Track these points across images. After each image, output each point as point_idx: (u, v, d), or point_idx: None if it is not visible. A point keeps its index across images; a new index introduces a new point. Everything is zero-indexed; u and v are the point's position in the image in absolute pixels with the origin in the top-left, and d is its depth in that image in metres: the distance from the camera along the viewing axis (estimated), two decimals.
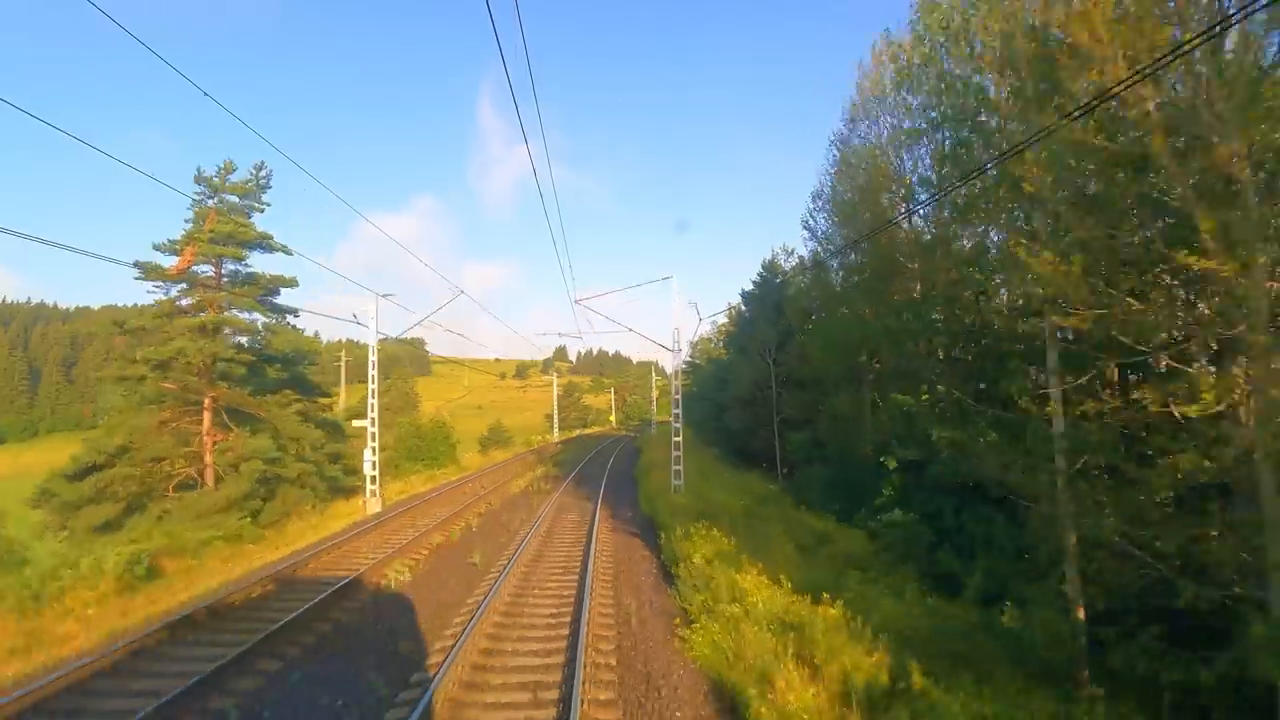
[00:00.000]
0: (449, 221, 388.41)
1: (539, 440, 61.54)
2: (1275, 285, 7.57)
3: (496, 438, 61.19)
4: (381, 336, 23.33)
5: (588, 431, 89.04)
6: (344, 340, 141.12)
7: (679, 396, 24.59)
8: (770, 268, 34.67)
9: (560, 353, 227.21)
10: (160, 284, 25.35)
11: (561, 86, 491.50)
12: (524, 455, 45.20)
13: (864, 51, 23.36)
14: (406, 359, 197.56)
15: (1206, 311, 8.79)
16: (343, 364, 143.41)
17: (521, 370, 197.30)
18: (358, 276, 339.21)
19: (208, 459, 24.57)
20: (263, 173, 26.83)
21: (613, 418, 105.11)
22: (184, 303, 25.76)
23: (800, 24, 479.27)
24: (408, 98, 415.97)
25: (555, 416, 65.39)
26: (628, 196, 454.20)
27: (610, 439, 64.82)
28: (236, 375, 25.37)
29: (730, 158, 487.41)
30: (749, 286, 35.09)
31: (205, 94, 9.24)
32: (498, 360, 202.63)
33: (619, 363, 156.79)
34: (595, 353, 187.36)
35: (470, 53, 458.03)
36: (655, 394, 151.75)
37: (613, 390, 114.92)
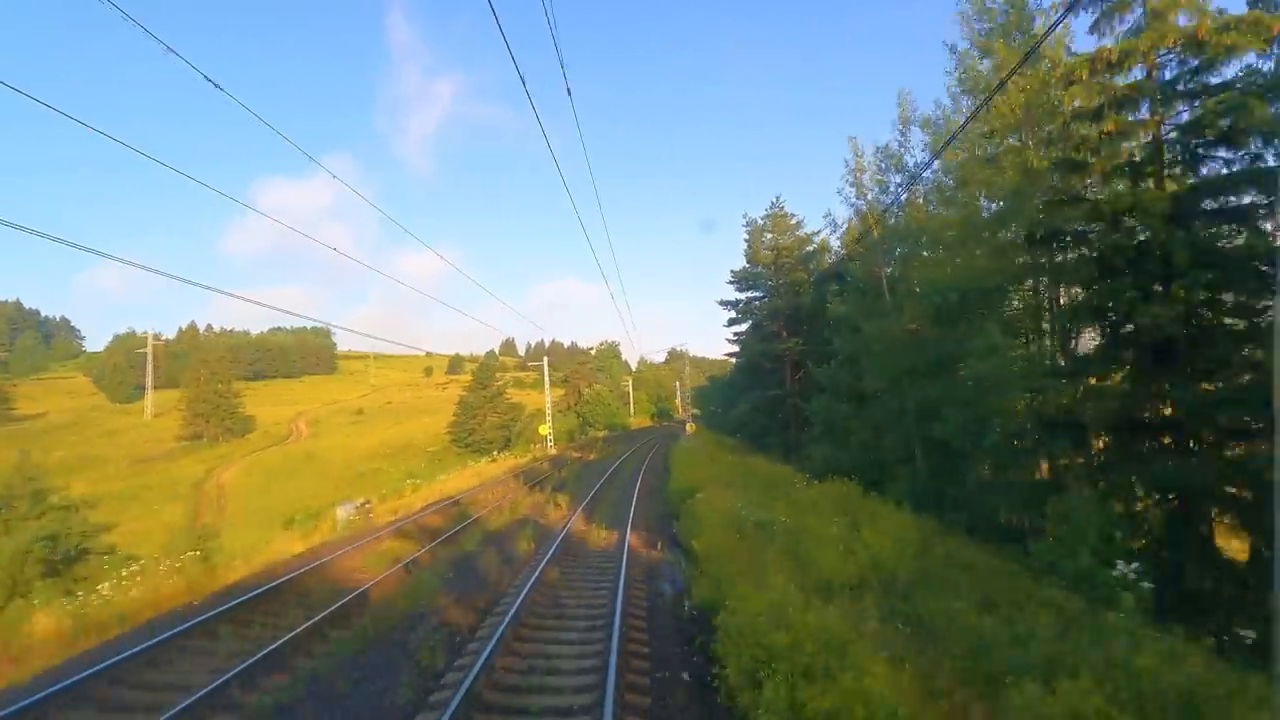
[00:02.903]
0: (371, 189, 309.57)
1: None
2: None
3: None
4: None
5: (449, 494, 24.66)
6: (149, 333, 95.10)
7: None
8: None
9: (508, 346, 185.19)
10: None
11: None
12: None
13: None
14: (299, 352, 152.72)
15: None
16: (149, 355, 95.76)
17: (455, 365, 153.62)
18: (259, 262, 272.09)
19: None
20: None
21: (545, 428, 54.08)
22: None
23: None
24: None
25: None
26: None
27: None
28: None
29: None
30: None
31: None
32: (429, 354, 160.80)
33: (574, 353, 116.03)
34: (549, 344, 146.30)
35: None
36: (631, 383, 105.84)
37: (544, 373, 65.98)
